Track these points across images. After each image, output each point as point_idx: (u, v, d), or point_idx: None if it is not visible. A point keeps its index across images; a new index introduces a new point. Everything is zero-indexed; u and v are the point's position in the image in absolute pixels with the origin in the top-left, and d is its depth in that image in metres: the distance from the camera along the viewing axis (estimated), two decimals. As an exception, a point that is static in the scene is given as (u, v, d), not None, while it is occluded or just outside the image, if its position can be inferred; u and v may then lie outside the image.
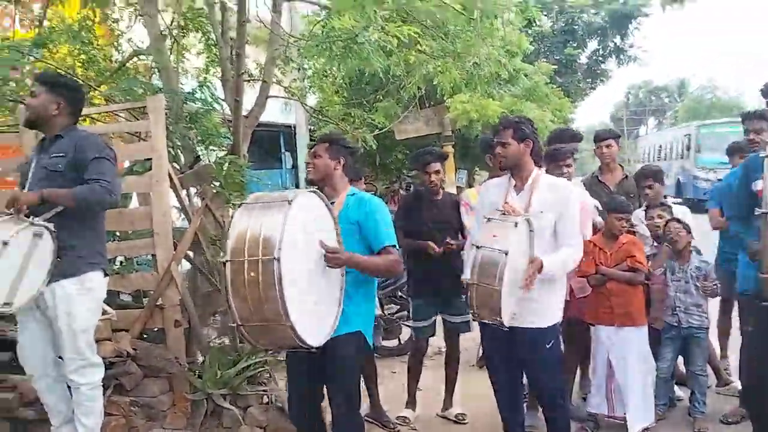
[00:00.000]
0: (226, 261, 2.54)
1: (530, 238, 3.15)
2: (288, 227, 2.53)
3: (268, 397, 4.10)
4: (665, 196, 4.81)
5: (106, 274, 3.41)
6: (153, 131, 4.02)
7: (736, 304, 4.59)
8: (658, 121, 52.13)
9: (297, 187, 11.59)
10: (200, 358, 4.29)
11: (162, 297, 4.04)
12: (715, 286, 4.12)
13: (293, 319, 2.51)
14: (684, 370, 4.46)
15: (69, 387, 3.34)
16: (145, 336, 4.20)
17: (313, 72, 5.99)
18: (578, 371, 4.65)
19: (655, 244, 4.41)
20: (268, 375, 4.21)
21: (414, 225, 4.41)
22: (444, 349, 5.59)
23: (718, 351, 4.92)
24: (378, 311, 4.49)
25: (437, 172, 4.39)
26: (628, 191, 4.65)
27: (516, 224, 3.02)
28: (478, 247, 2.95)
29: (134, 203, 5.03)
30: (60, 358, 3.34)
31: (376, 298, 4.48)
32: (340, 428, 3.08)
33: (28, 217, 3.02)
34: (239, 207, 2.70)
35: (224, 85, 4.95)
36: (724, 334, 5.07)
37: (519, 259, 3.03)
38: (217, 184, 4.58)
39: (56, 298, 3.19)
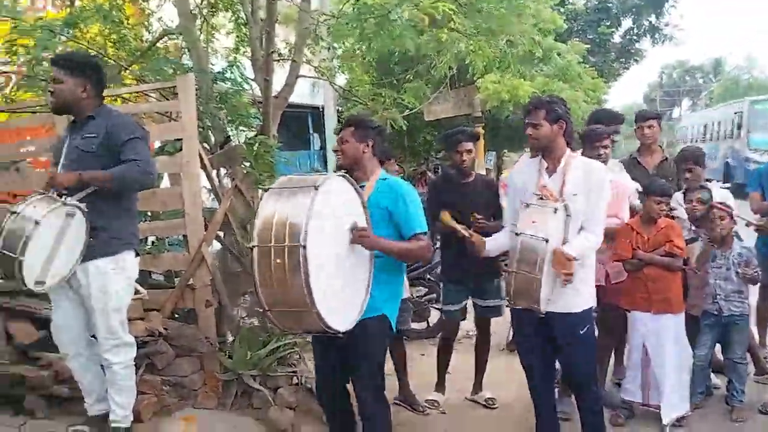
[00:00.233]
0: (253, 246, 2.53)
1: (566, 223, 3.07)
2: (314, 213, 2.52)
3: (297, 379, 4.11)
4: (708, 180, 4.66)
5: (138, 254, 3.41)
6: (183, 111, 4.00)
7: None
8: (692, 102, 50.93)
9: (325, 168, 11.57)
10: (230, 338, 4.30)
11: (193, 277, 4.05)
12: (756, 273, 4.00)
13: (319, 306, 2.51)
14: (721, 358, 4.35)
15: (102, 366, 3.37)
16: (176, 315, 4.23)
17: (342, 51, 5.91)
18: (612, 357, 4.58)
19: (693, 228, 4.28)
20: (297, 356, 4.21)
21: (444, 208, 4.33)
22: (473, 333, 5.57)
23: (756, 338, 4.80)
24: (407, 294, 4.44)
25: (469, 151, 4.30)
26: (666, 174, 4.51)
27: (555, 210, 2.94)
28: (517, 234, 2.88)
29: (165, 183, 5.05)
30: (93, 337, 3.37)
31: (406, 281, 4.46)
32: (367, 411, 3.08)
33: (61, 197, 3.03)
34: (266, 191, 2.69)
35: (254, 64, 4.91)
36: (763, 322, 4.94)
37: (556, 245, 2.96)
38: (247, 164, 4.57)
39: (90, 277, 3.20)
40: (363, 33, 4.39)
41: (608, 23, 16.55)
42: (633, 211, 4.15)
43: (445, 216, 3.71)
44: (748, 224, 4.48)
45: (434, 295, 6.31)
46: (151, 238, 4.56)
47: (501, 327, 5.28)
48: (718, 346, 4.26)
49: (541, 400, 3.48)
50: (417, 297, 6.02)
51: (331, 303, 2.59)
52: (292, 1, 5.33)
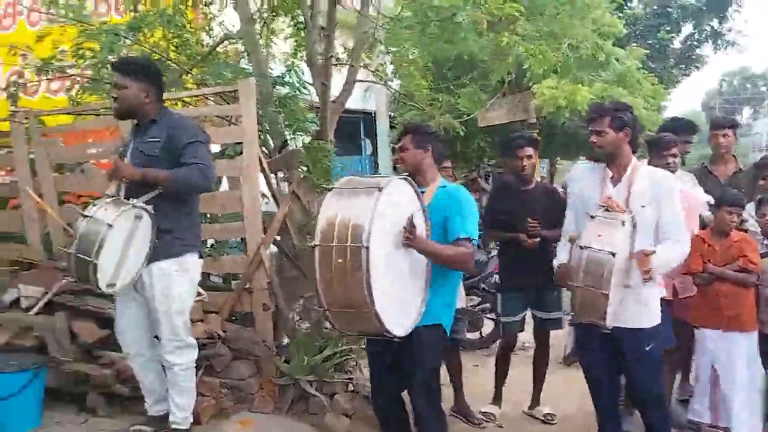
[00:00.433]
0: (315, 246, 2.52)
1: (632, 235, 2.95)
2: (378, 215, 2.50)
3: (353, 386, 4.08)
4: None
5: (200, 256, 3.44)
6: (244, 115, 4.02)
7: None
8: (753, 110, 49.09)
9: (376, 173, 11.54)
10: (285, 341, 4.30)
11: (251, 280, 4.07)
12: None
13: (378, 307, 2.48)
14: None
15: (164, 367, 3.40)
16: (233, 318, 4.25)
17: (397, 56, 5.87)
18: (678, 375, 4.40)
19: (766, 241, 4.07)
20: (353, 363, 4.19)
21: (503, 216, 4.26)
22: (528, 344, 5.46)
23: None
24: (463, 303, 4.36)
25: (529, 157, 4.21)
26: (739, 185, 4.30)
27: (623, 223, 2.82)
28: (582, 248, 2.78)
29: (224, 187, 5.10)
30: (156, 338, 3.40)
31: (462, 290, 4.38)
32: (423, 421, 3.02)
33: (129, 200, 3.07)
34: (329, 191, 2.67)
35: (311, 69, 4.91)
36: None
37: (623, 259, 2.84)
38: (304, 169, 4.57)
39: (154, 279, 3.24)
40: (423, 36, 4.33)
41: (668, 28, 16.06)
42: (703, 224, 3.99)
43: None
44: None
45: (488, 305, 6.22)
46: (210, 241, 4.59)
47: (558, 339, 5.15)
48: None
49: (606, 417, 3.35)
50: (471, 306, 5.93)
51: (389, 306, 2.57)
52: (352, 7, 5.31)
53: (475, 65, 7.02)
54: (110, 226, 2.91)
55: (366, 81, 5.98)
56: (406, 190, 2.82)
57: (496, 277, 6.28)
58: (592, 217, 2.90)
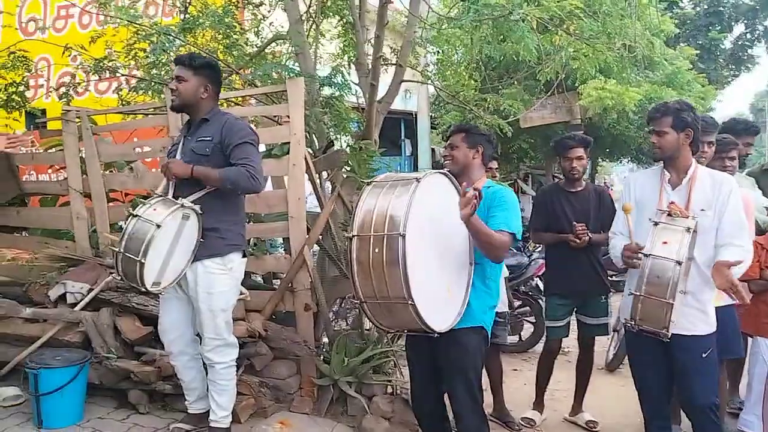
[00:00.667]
0: (353, 236, 2.49)
1: (693, 241, 2.83)
2: (415, 204, 2.45)
3: (392, 388, 4.03)
4: None
5: (244, 256, 3.44)
6: (292, 115, 4.01)
7: None
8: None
9: (416, 174, 11.48)
10: (324, 340, 4.28)
11: (293, 280, 4.06)
12: None
13: (416, 299, 2.42)
14: None
15: (205, 365, 3.41)
16: (273, 317, 4.25)
17: (443, 56, 5.81)
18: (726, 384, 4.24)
19: None
20: (393, 365, 4.14)
21: (552, 218, 4.17)
22: (568, 349, 5.35)
23: None
24: (504, 307, 4.28)
25: (579, 158, 4.12)
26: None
27: (688, 229, 2.71)
28: (646, 255, 2.67)
29: (268, 186, 5.12)
30: (198, 336, 3.41)
31: (505, 294, 4.30)
32: (464, 425, 2.95)
33: (177, 199, 3.09)
34: (368, 185, 2.64)
35: (358, 69, 4.89)
36: None
37: (686, 266, 2.73)
38: (348, 169, 4.55)
39: (198, 278, 3.25)
40: (475, 35, 4.26)
41: (719, 28, 15.64)
42: (759, 228, 3.82)
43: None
44: None
45: (528, 308, 6.13)
46: (252, 240, 4.61)
47: (601, 344, 5.03)
48: None
49: (655, 426, 3.24)
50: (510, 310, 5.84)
51: (428, 299, 2.51)
52: (400, 7, 5.27)
53: (519, 65, 6.92)
54: (159, 226, 2.93)
55: (412, 81, 5.93)
56: (446, 186, 2.77)
57: (537, 280, 6.24)
58: (655, 223, 2.80)
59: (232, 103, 4.84)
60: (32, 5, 9.75)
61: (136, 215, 2.98)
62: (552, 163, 13.90)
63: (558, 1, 3.95)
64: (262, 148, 4.72)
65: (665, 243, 2.68)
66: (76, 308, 4.08)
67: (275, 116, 4.54)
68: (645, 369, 3.17)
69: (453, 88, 5.48)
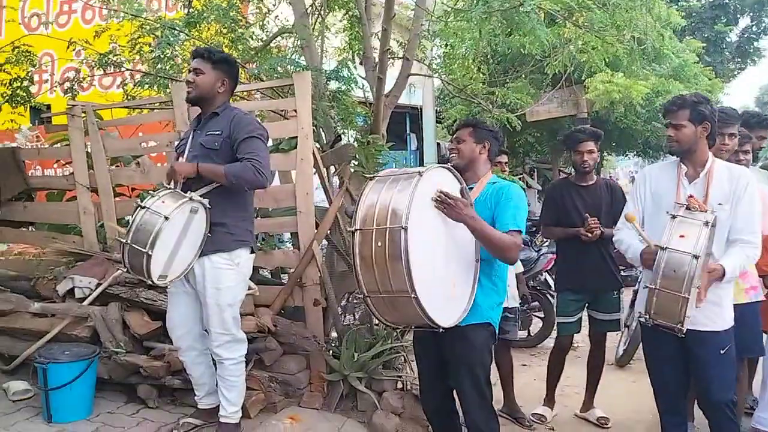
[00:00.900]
0: (355, 230, 2.47)
1: (712, 235, 2.80)
2: (417, 197, 2.43)
3: (402, 383, 4.01)
4: None
5: (252, 251, 3.42)
6: (299, 109, 3.99)
7: None
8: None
9: (421, 168, 11.44)
10: (333, 335, 4.27)
11: (302, 275, 4.04)
12: None
13: (419, 293, 2.38)
14: None
15: (214, 360, 3.39)
16: (282, 312, 4.23)
17: (450, 49, 5.77)
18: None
19: None
20: (403, 360, 4.12)
21: (563, 213, 4.13)
22: (578, 345, 5.32)
23: None
24: (515, 302, 4.26)
25: (590, 151, 4.09)
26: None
27: (706, 223, 2.67)
28: (662, 248, 2.64)
29: (276, 181, 5.09)
30: (206, 331, 3.39)
31: (515, 289, 4.27)
32: (473, 422, 2.93)
33: (186, 192, 3.06)
34: (371, 180, 2.62)
35: (365, 63, 4.86)
36: None
37: (703, 261, 2.70)
38: (356, 163, 4.53)
39: (205, 272, 3.23)
40: (484, 29, 4.21)
41: (725, 21, 15.54)
42: None
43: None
44: None
45: (537, 303, 6.11)
46: (260, 235, 4.59)
47: (610, 340, 5.00)
48: None
49: (671, 423, 3.21)
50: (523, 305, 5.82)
51: (432, 294, 2.48)
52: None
53: (525, 59, 6.87)
54: (167, 218, 2.91)
55: (419, 74, 5.89)
56: (449, 180, 2.73)
57: (546, 275, 6.21)
58: (673, 216, 2.76)
59: (237, 98, 4.81)
60: (35, 0, 9.73)
61: (145, 207, 2.95)
62: (558, 157, 13.85)
63: (569, -8, 3.90)
64: (269, 143, 4.72)
65: (682, 236, 2.64)
66: (85, 303, 4.07)
67: (282, 110, 4.51)
68: (661, 364, 3.14)
69: (460, 82, 5.44)
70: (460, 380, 2.92)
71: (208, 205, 3.11)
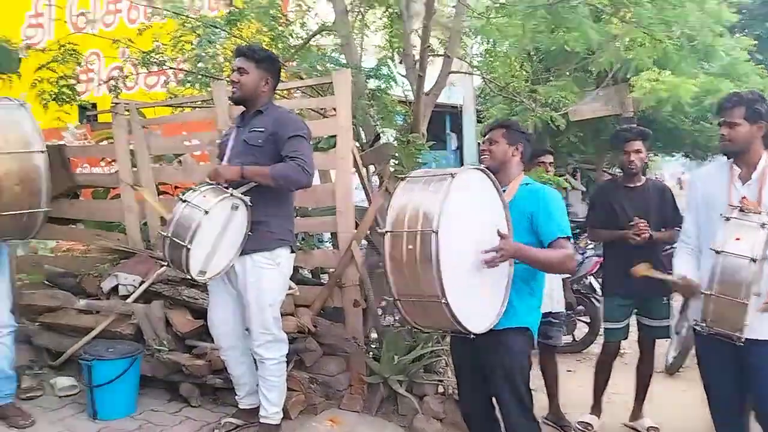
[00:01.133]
0: (386, 232, 2.41)
1: (766, 239, 2.66)
2: (449, 200, 2.36)
3: (444, 388, 3.94)
4: None
5: (292, 251, 3.39)
6: (338, 107, 3.95)
7: None
8: None
9: (461, 168, 11.35)
10: (373, 335, 4.22)
11: (342, 275, 4.00)
12: None
13: (450, 298, 2.32)
14: None
15: (255, 360, 3.38)
16: (322, 312, 4.19)
17: (492, 46, 5.67)
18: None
19: None
20: (444, 364, 4.04)
21: (610, 215, 4.01)
22: (625, 351, 5.16)
23: None
24: (560, 307, 4.14)
25: (637, 151, 3.95)
26: None
27: (763, 225, 2.54)
28: (718, 252, 2.52)
29: (315, 180, 5.07)
30: (247, 330, 3.38)
31: (561, 294, 4.16)
32: (513, 429, 2.85)
33: (227, 189, 3.05)
34: (402, 180, 2.57)
35: (405, 60, 4.80)
36: None
37: (762, 266, 2.56)
38: (396, 163, 4.47)
39: (246, 271, 3.22)
40: (527, 25, 4.11)
41: (778, 17, 14.99)
42: None
43: (641, 269, 3.21)
44: None
45: (582, 308, 5.96)
46: (300, 234, 4.57)
47: (659, 346, 4.83)
48: None
49: None
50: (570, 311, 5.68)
51: (463, 299, 2.41)
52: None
53: (569, 56, 6.70)
54: (206, 212, 2.90)
55: (460, 72, 5.80)
56: (484, 182, 2.65)
57: (591, 278, 6.05)
58: (727, 218, 2.63)
59: (278, 96, 4.80)
60: (82, 1, 9.94)
61: (186, 200, 2.95)
62: (603, 158, 13.54)
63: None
64: (310, 141, 4.70)
65: (738, 239, 2.51)
66: (128, 300, 4.11)
67: (321, 109, 4.48)
68: (716, 375, 2.99)
69: (502, 80, 5.33)
70: (497, 386, 2.84)
71: (249, 203, 3.09)
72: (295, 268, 4.39)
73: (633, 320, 4.13)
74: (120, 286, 4.22)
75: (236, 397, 3.56)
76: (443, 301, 2.32)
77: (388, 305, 5.52)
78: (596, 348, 4.37)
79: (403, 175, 2.62)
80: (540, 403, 3.77)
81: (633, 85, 8.66)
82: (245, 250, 3.18)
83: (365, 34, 5.50)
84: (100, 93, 8.59)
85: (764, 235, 2.55)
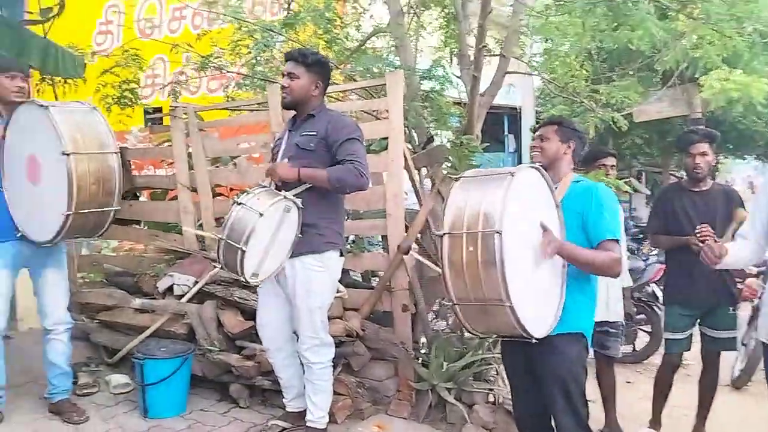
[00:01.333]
0: (443, 234, 2.34)
1: None
2: (510, 199, 2.28)
3: (494, 397, 3.84)
4: None
5: (342, 254, 3.37)
6: (390, 109, 3.91)
7: None
8: None
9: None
10: (422, 340, 4.15)
11: (391, 279, 3.95)
12: None
13: (514, 301, 2.23)
14: None
15: (302, 363, 3.37)
16: (371, 316, 4.16)
17: (551, 45, 5.50)
18: None
19: None
20: (495, 372, 3.94)
21: (672, 220, 3.82)
22: (688, 363, 4.93)
23: None
24: (618, 316, 3.96)
25: (703, 154, 3.76)
26: None
27: None
28: None
29: (367, 182, 5.04)
30: (295, 334, 3.38)
31: (619, 303, 3.99)
32: None
33: (280, 191, 3.05)
34: (457, 181, 2.48)
35: (460, 61, 4.72)
36: None
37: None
38: (449, 165, 4.39)
39: (296, 274, 3.21)
40: (587, 23, 3.96)
41: None
42: None
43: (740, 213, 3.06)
44: None
45: (643, 316, 5.72)
46: (351, 237, 4.55)
47: (724, 357, 4.59)
48: None
49: None
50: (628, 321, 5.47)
51: (525, 302, 2.31)
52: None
53: (633, 55, 6.45)
54: (261, 215, 2.90)
55: (517, 72, 5.66)
56: (538, 181, 2.55)
57: (653, 286, 5.81)
58: None
59: (332, 98, 4.81)
60: (149, 8, 10.26)
61: (240, 203, 2.96)
62: (669, 160, 13.05)
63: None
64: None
65: None
66: (183, 300, 4.18)
67: (374, 111, 4.45)
68: None
69: (561, 80, 5.17)
70: (551, 396, 2.72)
71: (300, 206, 3.08)
72: (346, 271, 4.38)
73: (696, 330, 3.93)
74: (175, 286, 4.29)
75: (284, 399, 3.56)
76: (508, 304, 2.24)
77: (442, 309, 5.47)
78: (658, 359, 4.18)
79: (457, 176, 2.55)
80: (595, 415, 3.63)
81: (701, 84, 8.32)
82: (295, 253, 3.18)
83: (421, 35, 5.44)
84: (164, 97, 8.86)
85: None
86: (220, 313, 4.04)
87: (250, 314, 3.92)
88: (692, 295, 3.73)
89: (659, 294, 5.61)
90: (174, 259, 4.63)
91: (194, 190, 4.74)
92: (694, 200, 3.78)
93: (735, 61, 6.05)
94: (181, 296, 4.23)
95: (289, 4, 5.53)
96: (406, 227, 4.00)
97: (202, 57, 5.09)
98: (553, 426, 2.87)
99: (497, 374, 3.95)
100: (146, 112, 7.45)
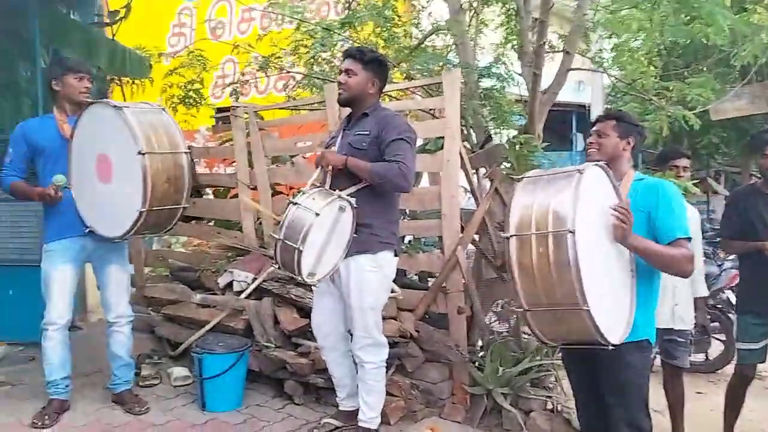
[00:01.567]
0: (510, 236, 2.24)
1: None
2: (581, 196, 2.17)
3: (552, 404, 3.72)
4: None
5: (396, 254, 3.34)
6: (447, 108, 3.84)
7: None
8: None
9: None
10: (479, 344, 4.07)
11: (446, 281, 3.89)
12: None
13: (591, 303, 2.11)
14: None
15: (356, 363, 3.36)
16: (426, 317, 4.11)
17: (620, 41, 5.29)
18: None
19: None
20: (553, 379, 3.82)
21: (746, 224, 3.60)
22: (765, 374, 4.66)
23: None
24: (684, 325, 3.74)
25: None
26: None
27: None
28: None
29: (424, 182, 4.99)
30: (349, 332, 3.37)
31: (690, 311, 3.79)
32: None
33: (334, 191, 3.05)
34: (521, 180, 2.39)
35: (522, 57, 4.59)
36: None
37: None
38: (508, 165, 4.29)
39: (350, 273, 3.21)
40: (654, 16, 3.77)
41: None
42: None
43: None
44: None
45: (717, 324, 5.43)
46: (407, 237, 4.51)
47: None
48: None
49: None
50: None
51: (600, 306, 2.19)
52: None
53: (709, 50, 6.13)
54: (317, 214, 2.91)
55: (581, 69, 5.47)
56: (603, 180, 2.43)
57: (728, 293, 5.50)
58: None
59: (390, 97, 4.77)
60: (219, 10, 10.54)
61: (296, 203, 2.98)
62: (749, 161, 12.39)
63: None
64: (418, 142, 4.62)
65: None
66: (241, 296, 4.26)
67: (431, 110, 4.39)
68: None
69: (629, 77, 4.95)
70: (614, 405, 2.60)
71: (355, 205, 3.07)
72: (402, 272, 4.35)
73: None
74: (234, 282, 4.38)
75: (337, 398, 3.57)
76: (585, 308, 2.14)
77: (503, 311, 5.35)
78: (732, 369, 3.94)
79: (518, 176, 2.46)
80: (663, 425, 3.46)
81: (786, 80, 7.84)
82: (349, 252, 3.17)
83: (482, 32, 5.34)
84: (233, 98, 9.07)
85: None
86: (276, 310, 4.09)
87: (306, 312, 3.95)
88: (766, 304, 3.51)
89: (735, 301, 5.32)
90: (234, 256, 4.72)
91: (254, 188, 4.81)
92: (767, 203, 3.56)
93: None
94: (240, 292, 4.30)
95: (350, 4, 5.53)
96: (462, 228, 3.93)
97: (263, 57, 5.16)
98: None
99: (556, 381, 3.83)
100: (218, 111, 7.64)
